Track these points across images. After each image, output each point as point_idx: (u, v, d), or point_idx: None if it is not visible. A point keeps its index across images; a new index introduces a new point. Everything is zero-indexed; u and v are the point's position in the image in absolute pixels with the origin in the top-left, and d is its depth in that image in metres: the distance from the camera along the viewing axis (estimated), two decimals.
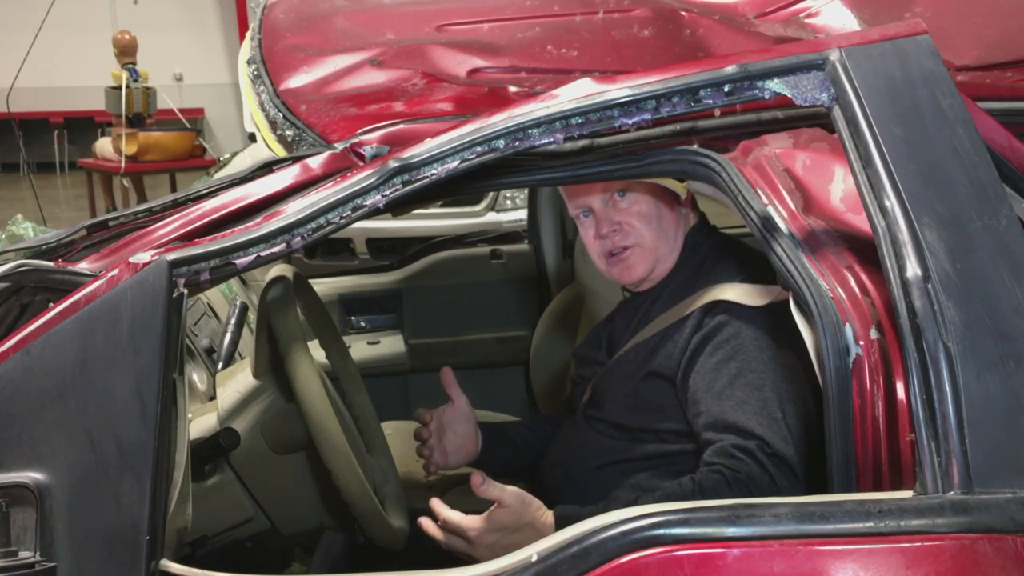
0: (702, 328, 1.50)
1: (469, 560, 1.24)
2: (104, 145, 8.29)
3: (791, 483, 1.32)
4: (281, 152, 1.45)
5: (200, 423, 1.75)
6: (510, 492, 1.37)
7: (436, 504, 1.43)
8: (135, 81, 7.85)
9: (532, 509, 1.39)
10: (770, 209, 1.31)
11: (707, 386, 1.43)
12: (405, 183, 1.24)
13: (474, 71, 1.58)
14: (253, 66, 1.68)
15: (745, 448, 1.35)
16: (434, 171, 1.23)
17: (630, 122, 1.21)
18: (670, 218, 1.63)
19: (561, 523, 1.37)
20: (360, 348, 2.86)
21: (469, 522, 1.38)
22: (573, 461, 1.67)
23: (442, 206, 4.72)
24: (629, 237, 1.62)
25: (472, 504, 1.67)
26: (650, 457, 1.53)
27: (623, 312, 1.74)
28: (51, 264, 1.27)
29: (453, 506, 2.04)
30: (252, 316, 2.48)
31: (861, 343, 1.14)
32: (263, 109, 1.56)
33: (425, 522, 1.43)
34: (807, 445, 1.36)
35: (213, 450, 1.67)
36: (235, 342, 2.26)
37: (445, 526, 1.41)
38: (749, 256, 1.60)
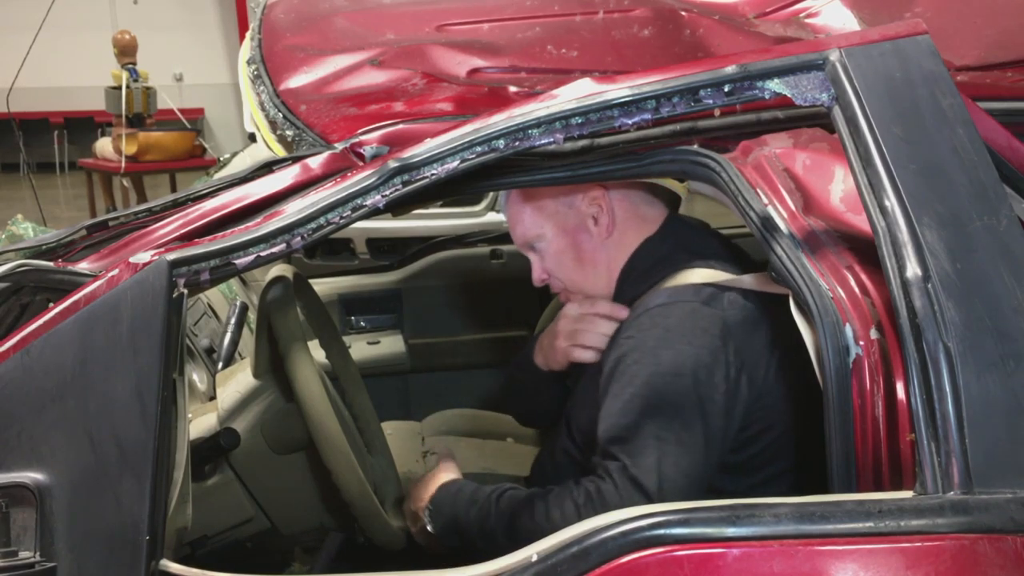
0: (617, 345, 1.46)
1: (468, 559, 1.24)
2: (104, 145, 8.28)
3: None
4: (281, 152, 1.45)
5: (200, 423, 1.75)
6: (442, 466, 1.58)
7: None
8: (135, 81, 7.85)
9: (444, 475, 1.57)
10: (770, 209, 1.31)
11: (603, 412, 1.43)
12: (405, 183, 1.24)
13: (474, 71, 1.58)
14: (253, 66, 1.68)
15: (606, 468, 1.36)
16: (434, 171, 1.23)
17: (630, 122, 1.21)
18: (589, 245, 1.56)
19: (440, 491, 1.52)
20: (360, 348, 2.86)
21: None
22: (544, 466, 1.69)
23: (442, 206, 4.72)
24: (556, 284, 1.62)
25: None
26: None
27: None
28: (51, 264, 1.27)
29: None
30: (252, 316, 2.47)
31: (861, 343, 1.14)
32: (263, 109, 1.56)
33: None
34: (688, 471, 1.34)
35: (213, 450, 1.67)
36: (235, 342, 2.26)
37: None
38: (709, 246, 1.56)
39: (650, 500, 1.30)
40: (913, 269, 1.06)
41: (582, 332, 1.59)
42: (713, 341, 1.37)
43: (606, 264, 1.57)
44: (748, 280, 1.41)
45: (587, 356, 1.59)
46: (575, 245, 1.56)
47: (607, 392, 1.43)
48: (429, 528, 1.50)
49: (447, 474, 1.57)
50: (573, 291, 1.61)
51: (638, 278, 1.54)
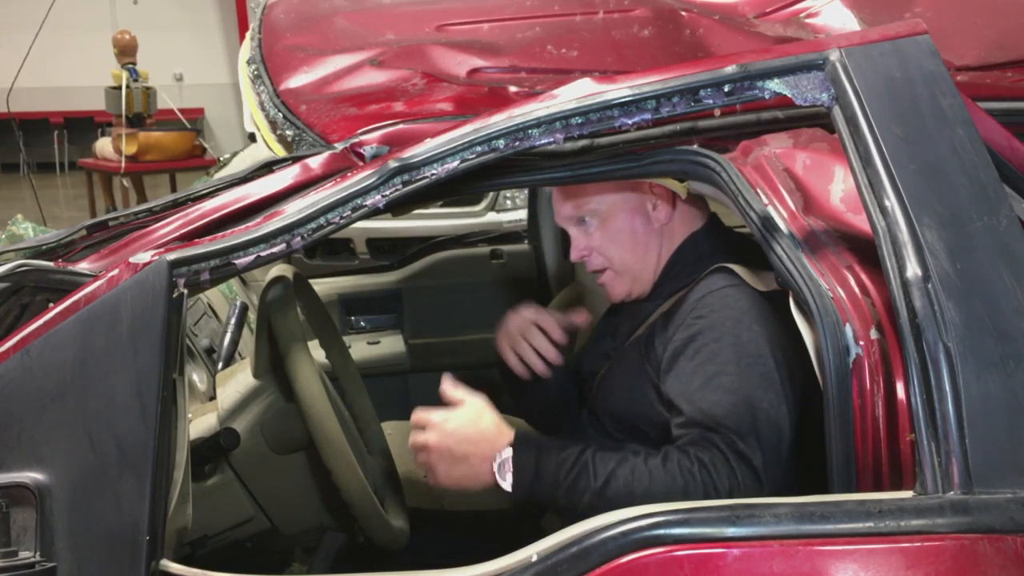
0: (686, 325, 1.46)
1: (471, 556, 1.23)
2: (104, 145, 8.28)
3: (753, 484, 1.30)
4: (281, 152, 1.45)
5: (200, 423, 1.75)
6: (472, 397, 1.42)
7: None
8: (135, 81, 7.85)
9: (491, 417, 1.41)
10: (770, 209, 1.31)
11: (682, 390, 1.41)
12: (405, 183, 1.24)
13: (474, 71, 1.58)
14: (253, 66, 1.68)
15: (711, 440, 1.33)
16: (434, 171, 1.23)
17: (630, 122, 1.21)
18: (646, 229, 1.57)
19: (519, 443, 1.37)
20: (360, 348, 2.86)
21: (434, 414, 1.41)
22: None
23: (442, 206, 4.72)
24: (597, 262, 1.60)
25: (470, 506, 1.67)
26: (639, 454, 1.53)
27: (630, 303, 1.73)
28: (51, 264, 1.27)
29: (451, 507, 2.04)
30: (252, 316, 2.47)
31: (861, 343, 1.14)
32: (263, 109, 1.56)
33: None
34: (778, 452, 1.34)
35: (213, 450, 1.67)
36: (235, 342, 2.26)
37: (415, 423, 1.43)
38: (752, 247, 1.58)
39: (757, 476, 1.29)
40: (913, 269, 1.06)
41: (522, 347, 1.65)
42: (781, 327, 1.39)
43: (656, 251, 1.59)
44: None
45: (520, 370, 1.67)
46: (632, 226, 1.57)
47: (679, 370, 1.42)
48: (505, 485, 1.37)
49: (500, 423, 1.42)
50: (619, 270, 1.60)
51: (682, 271, 1.56)
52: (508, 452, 1.36)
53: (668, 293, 1.56)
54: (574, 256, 1.62)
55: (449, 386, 1.44)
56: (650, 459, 1.33)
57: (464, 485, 1.40)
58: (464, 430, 1.38)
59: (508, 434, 1.39)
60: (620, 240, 1.58)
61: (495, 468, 1.37)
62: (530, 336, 1.66)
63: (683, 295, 1.52)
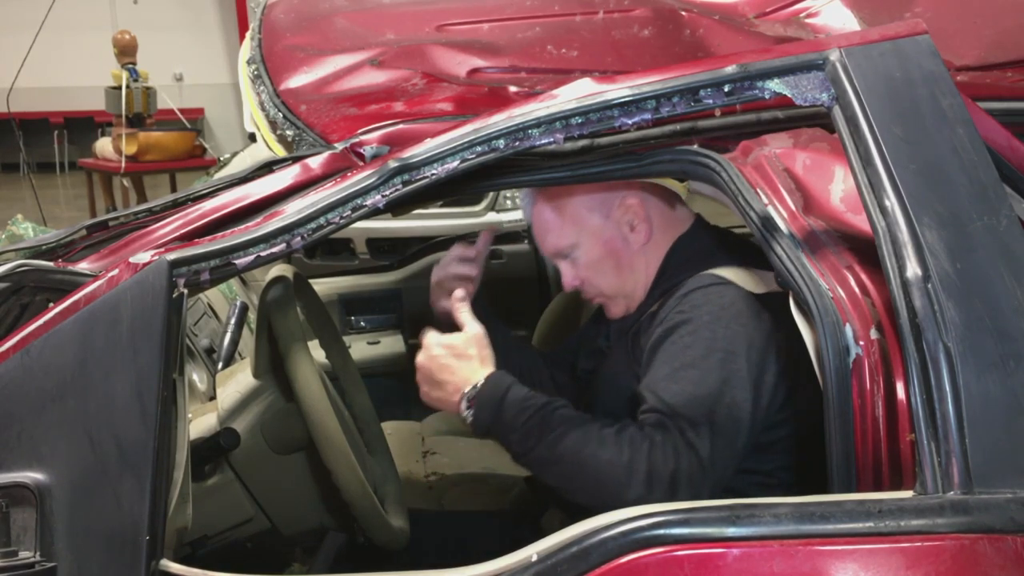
0: (667, 320, 1.47)
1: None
2: (104, 145, 8.28)
3: (698, 473, 1.30)
4: (281, 152, 1.45)
5: (200, 423, 1.75)
6: (473, 325, 1.45)
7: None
8: (135, 81, 7.85)
9: (477, 350, 1.43)
10: (770, 209, 1.31)
11: (650, 379, 1.42)
12: (405, 183, 1.24)
13: (474, 71, 1.58)
14: (253, 66, 1.68)
15: (665, 425, 1.33)
16: (434, 171, 1.23)
17: (630, 122, 1.21)
18: (627, 252, 1.57)
19: (490, 380, 1.39)
20: (360, 348, 2.86)
21: (431, 335, 1.45)
22: None
23: (442, 206, 4.72)
24: (589, 291, 1.61)
25: (470, 505, 1.67)
26: None
27: None
28: (51, 264, 1.27)
29: (451, 507, 2.03)
30: (252, 316, 2.47)
31: (861, 343, 1.14)
32: (263, 109, 1.56)
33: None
34: (732, 448, 1.34)
35: (213, 450, 1.66)
36: (235, 342, 2.26)
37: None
38: (747, 248, 1.58)
39: (702, 467, 1.30)
40: (913, 269, 1.06)
41: (427, 376, 1.50)
42: (764, 325, 1.39)
43: (644, 266, 1.58)
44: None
45: (443, 305, 1.67)
46: (614, 253, 1.57)
47: (654, 361, 1.43)
48: (467, 417, 1.40)
49: (485, 357, 1.44)
50: (611, 295, 1.61)
51: (672, 274, 1.56)
52: (477, 387, 1.39)
53: (658, 295, 1.56)
54: (567, 287, 1.62)
55: (461, 305, 1.48)
56: (605, 428, 1.35)
57: (439, 407, 1.46)
58: (446, 357, 1.42)
59: (487, 369, 1.41)
60: (605, 270, 1.58)
61: (463, 398, 1.40)
62: (444, 368, 1.54)
63: (670, 295, 1.52)
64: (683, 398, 1.35)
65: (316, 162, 1.34)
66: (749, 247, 1.60)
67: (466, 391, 1.39)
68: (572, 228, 1.56)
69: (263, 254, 1.21)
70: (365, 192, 1.23)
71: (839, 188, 1.36)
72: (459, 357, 1.42)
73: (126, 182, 8.09)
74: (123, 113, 7.79)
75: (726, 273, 1.49)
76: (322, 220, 1.22)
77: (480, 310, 1.55)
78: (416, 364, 1.44)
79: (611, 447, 1.31)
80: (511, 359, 1.64)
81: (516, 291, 3.03)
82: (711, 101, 1.19)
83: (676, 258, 1.58)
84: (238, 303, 2.38)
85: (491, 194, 4.94)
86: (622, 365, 1.57)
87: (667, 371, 1.40)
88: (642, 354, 1.49)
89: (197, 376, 2.09)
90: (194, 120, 10.99)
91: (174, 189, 8.10)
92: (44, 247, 1.39)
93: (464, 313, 1.47)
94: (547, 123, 1.21)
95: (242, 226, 1.24)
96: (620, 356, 1.59)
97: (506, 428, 1.37)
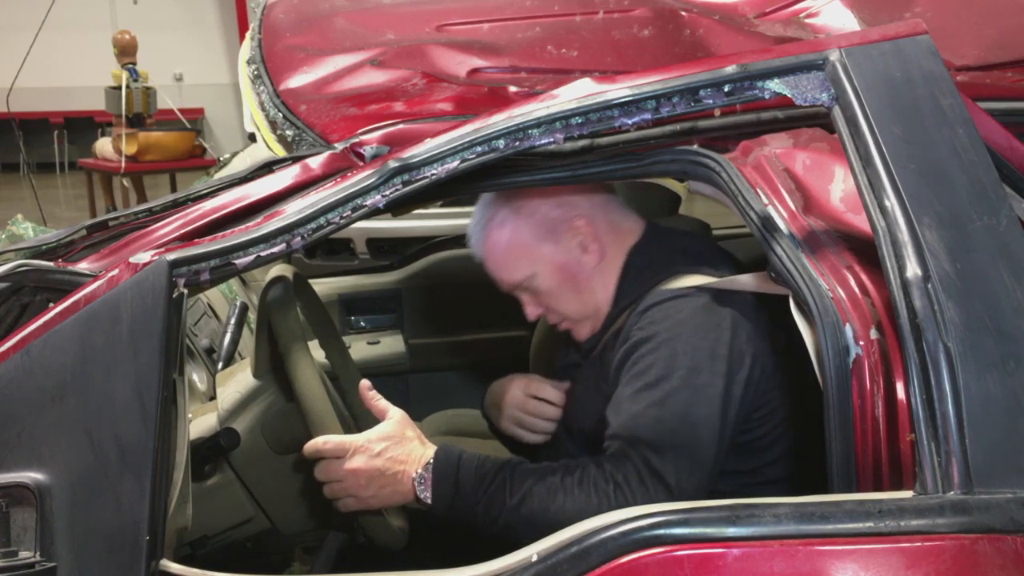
0: (628, 339, 1.46)
1: (461, 565, 1.23)
2: (104, 145, 8.29)
3: (667, 501, 1.29)
4: (281, 152, 1.45)
5: (200, 423, 1.75)
6: (393, 410, 1.43)
7: (310, 444, 1.40)
8: (135, 81, 7.85)
9: (413, 431, 1.41)
10: (770, 209, 1.31)
11: (614, 402, 1.42)
12: (405, 183, 1.24)
13: (474, 71, 1.58)
14: (253, 66, 1.68)
15: (627, 455, 1.33)
16: (434, 171, 1.23)
17: (630, 122, 1.21)
18: (584, 274, 1.56)
19: (440, 457, 1.37)
20: (360, 348, 2.86)
21: (353, 438, 1.38)
22: None
23: (442, 206, 4.71)
24: (553, 318, 1.62)
25: None
26: None
27: None
28: (51, 264, 1.27)
29: None
30: (252, 316, 2.48)
31: (861, 343, 1.14)
32: (263, 109, 1.56)
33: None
34: (701, 466, 1.33)
35: (213, 450, 1.67)
36: (235, 342, 2.26)
37: (322, 452, 1.39)
38: (701, 246, 1.58)
39: (671, 493, 1.30)
40: (913, 269, 1.06)
41: (528, 420, 1.66)
42: (724, 335, 1.38)
43: (602, 285, 1.58)
44: (746, 280, 1.41)
45: (533, 439, 1.68)
46: (571, 278, 1.57)
47: (618, 382, 1.43)
48: (426, 499, 1.38)
49: (421, 436, 1.43)
50: (576, 319, 1.60)
51: (633, 282, 1.55)
52: (429, 466, 1.37)
53: (621, 309, 1.55)
54: (530, 317, 1.62)
55: (370, 394, 1.44)
56: (567, 477, 1.34)
57: (385, 504, 1.41)
58: (392, 449, 1.38)
59: (431, 447, 1.40)
60: (564, 295, 1.57)
61: (415, 482, 1.37)
62: (531, 408, 1.68)
63: (631, 310, 1.52)
64: (645, 420, 1.35)
65: (316, 162, 1.34)
66: (703, 245, 1.60)
67: (419, 472, 1.37)
68: (525, 260, 1.56)
69: (263, 254, 1.21)
70: (365, 192, 1.23)
71: (839, 188, 1.36)
72: (401, 443, 1.39)
73: (126, 182, 8.09)
74: (123, 113, 7.80)
75: (683, 281, 1.48)
76: (322, 220, 1.22)
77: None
78: (352, 471, 1.37)
79: (578, 497, 1.31)
80: None
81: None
82: (711, 101, 1.19)
83: (632, 269, 1.57)
84: (238, 303, 2.38)
85: None
86: (591, 383, 1.56)
87: (630, 392, 1.39)
88: (610, 371, 1.48)
89: (197, 376, 2.09)
90: (194, 120, 10.99)
91: (174, 189, 8.10)
92: (44, 247, 1.39)
93: (380, 401, 1.45)
94: (547, 123, 1.21)
95: (242, 226, 1.24)
96: (589, 374, 1.59)
97: (468, 501, 1.36)
